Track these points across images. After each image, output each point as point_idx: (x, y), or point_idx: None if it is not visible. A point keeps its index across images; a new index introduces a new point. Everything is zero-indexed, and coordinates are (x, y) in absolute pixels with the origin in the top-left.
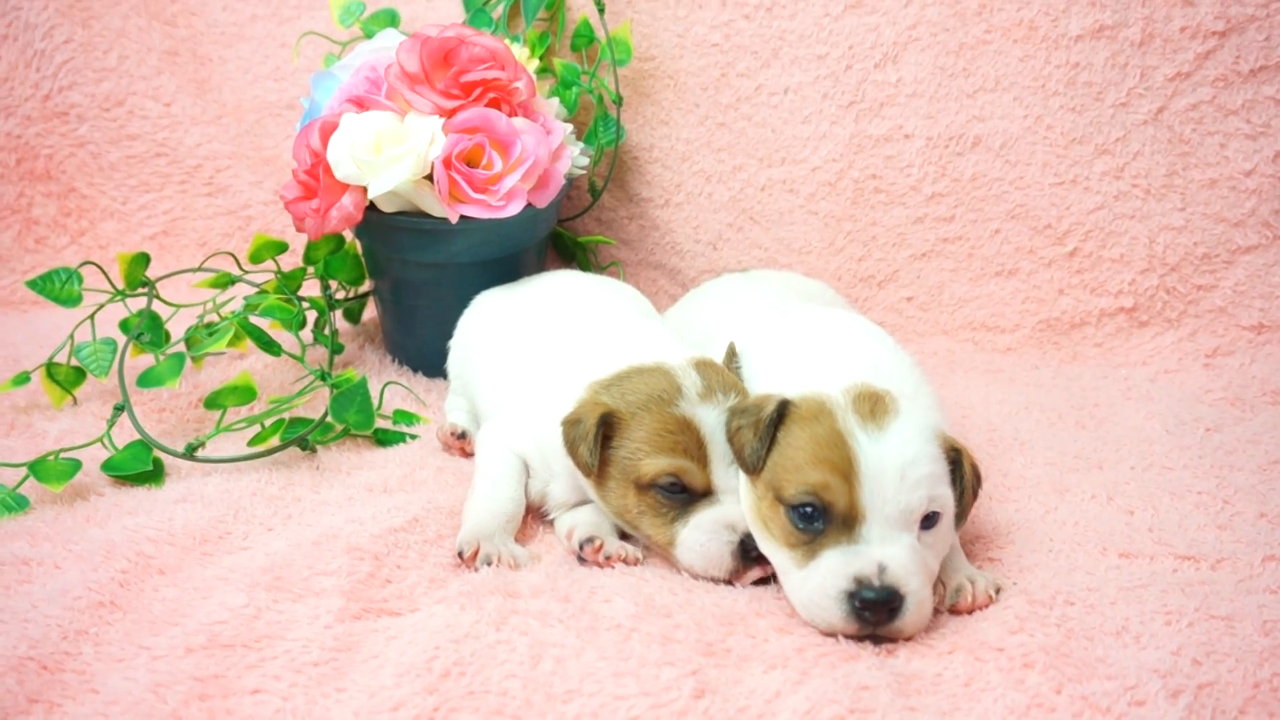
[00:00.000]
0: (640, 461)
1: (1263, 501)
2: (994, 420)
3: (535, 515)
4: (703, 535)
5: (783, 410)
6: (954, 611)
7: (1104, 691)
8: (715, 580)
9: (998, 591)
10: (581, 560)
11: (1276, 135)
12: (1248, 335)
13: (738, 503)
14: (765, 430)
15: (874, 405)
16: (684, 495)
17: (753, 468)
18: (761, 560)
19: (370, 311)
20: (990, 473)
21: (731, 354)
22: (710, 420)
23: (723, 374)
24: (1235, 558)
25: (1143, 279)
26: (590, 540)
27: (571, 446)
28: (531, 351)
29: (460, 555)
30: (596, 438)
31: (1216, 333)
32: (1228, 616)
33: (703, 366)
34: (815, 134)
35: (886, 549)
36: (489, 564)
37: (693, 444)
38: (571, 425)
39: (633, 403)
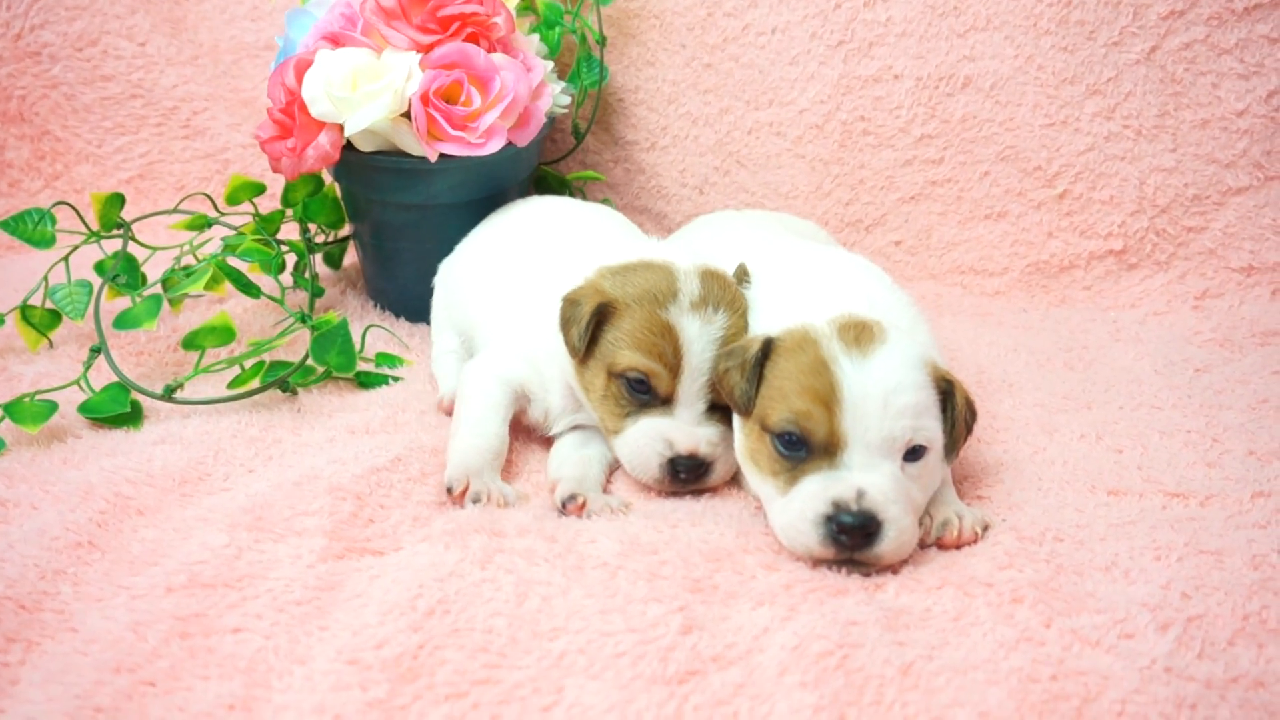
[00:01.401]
0: (619, 351)
1: (1251, 439)
2: (983, 362)
3: (532, 440)
4: (642, 438)
5: (767, 348)
6: (940, 545)
7: (1093, 625)
8: (645, 485)
9: (985, 529)
10: (563, 514)
11: (1269, 75)
12: (1237, 277)
13: (690, 422)
14: (751, 370)
15: (859, 333)
16: (646, 396)
17: (745, 408)
18: (688, 484)
19: (351, 257)
20: (979, 414)
21: (743, 273)
22: (692, 331)
23: (725, 288)
24: (1224, 494)
25: (1132, 221)
26: (573, 498)
27: (565, 325)
28: (528, 265)
29: (449, 492)
30: (589, 325)
31: (1206, 275)
32: (1217, 551)
33: (708, 276)
34: (803, 75)
35: (867, 476)
36: (477, 501)
37: (669, 350)
38: (570, 304)
39: (629, 294)
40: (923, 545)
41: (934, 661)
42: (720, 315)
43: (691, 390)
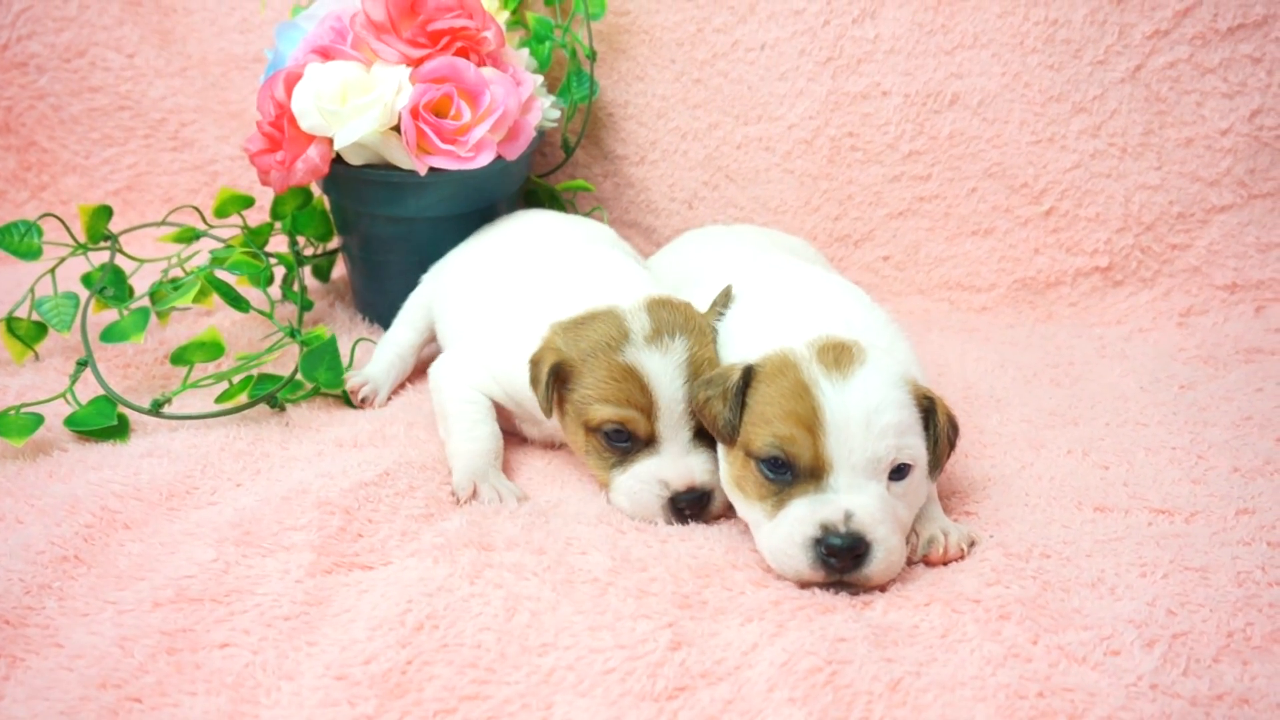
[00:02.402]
0: (589, 407)
1: (1235, 456)
2: (969, 378)
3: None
4: (636, 484)
5: (748, 375)
6: (926, 562)
7: (1080, 641)
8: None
9: (971, 545)
10: None
11: (1253, 94)
12: (1221, 294)
13: (678, 456)
14: (733, 399)
15: (839, 355)
16: (627, 444)
17: (729, 437)
18: (694, 518)
19: (340, 269)
20: (966, 430)
21: (727, 296)
22: (655, 367)
23: (675, 312)
24: (1209, 511)
25: (1118, 238)
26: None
27: (533, 385)
28: (494, 290)
29: (458, 499)
30: (550, 385)
31: (1190, 292)
32: (1202, 568)
33: (655, 306)
34: (792, 91)
35: (854, 497)
36: (491, 500)
37: (637, 392)
38: (533, 366)
39: (583, 349)
40: (909, 562)
41: (922, 678)
42: (678, 341)
43: (671, 424)
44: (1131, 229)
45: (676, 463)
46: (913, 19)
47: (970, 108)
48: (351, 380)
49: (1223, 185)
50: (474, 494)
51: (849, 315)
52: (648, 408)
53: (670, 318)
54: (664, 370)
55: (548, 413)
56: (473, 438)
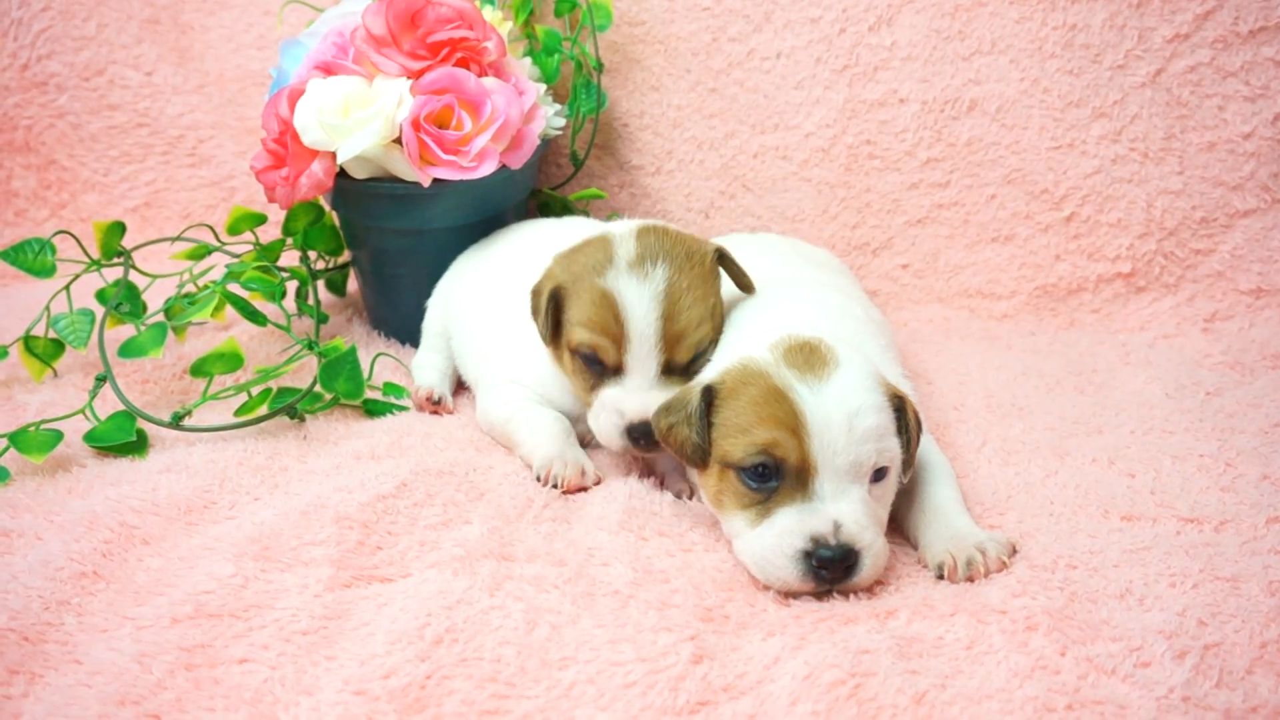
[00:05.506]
0: (571, 329)
1: (1265, 464)
2: (991, 387)
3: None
4: (600, 410)
5: (709, 396)
6: (969, 580)
7: (1109, 653)
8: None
9: (1013, 554)
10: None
11: (1275, 97)
12: (1246, 299)
13: (641, 388)
14: (698, 422)
15: (809, 356)
16: (600, 368)
17: (699, 460)
18: (647, 450)
19: (354, 283)
20: (989, 438)
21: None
22: (629, 294)
23: (663, 239)
24: (1239, 519)
25: (1140, 244)
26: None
27: (533, 315)
28: (505, 298)
29: (540, 480)
30: (548, 311)
31: (1215, 297)
32: (1232, 578)
33: (645, 233)
34: (808, 99)
35: (840, 505)
36: (579, 474)
37: (610, 319)
38: (533, 296)
39: (574, 274)
40: (951, 582)
41: (947, 690)
42: (660, 269)
43: (639, 354)
44: (1154, 234)
45: (636, 395)
46: (930, 25)
47: (989, 114)
48: (420, 391)
49: (1246, 189)
50: (550, 474)
51: (808, 311)
52: (619, 337)
53: (657, 244)
54: (639, 300)
55: (546, 340)
56: (538, 425)
